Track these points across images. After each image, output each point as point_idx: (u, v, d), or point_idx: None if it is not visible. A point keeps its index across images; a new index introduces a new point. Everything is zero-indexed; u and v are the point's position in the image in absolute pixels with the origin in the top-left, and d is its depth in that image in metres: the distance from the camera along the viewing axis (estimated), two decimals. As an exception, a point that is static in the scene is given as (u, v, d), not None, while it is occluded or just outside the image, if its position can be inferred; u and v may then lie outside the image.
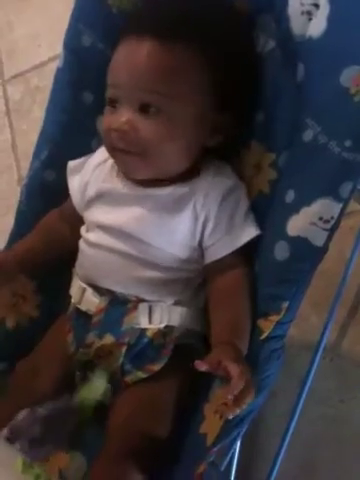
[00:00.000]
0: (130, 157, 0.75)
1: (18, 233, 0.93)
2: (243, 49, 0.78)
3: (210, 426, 0.72)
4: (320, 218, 0.66)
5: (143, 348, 0.78)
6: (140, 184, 0.79)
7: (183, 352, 0.77)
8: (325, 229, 0.67)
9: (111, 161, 0.82)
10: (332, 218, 0.66)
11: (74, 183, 0.86)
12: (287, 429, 0.78)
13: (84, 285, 0.81)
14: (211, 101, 0.75)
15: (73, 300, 0.83)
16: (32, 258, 0.87)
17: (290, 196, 0.69)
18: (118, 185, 0.80)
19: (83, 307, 0.81)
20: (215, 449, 0.69)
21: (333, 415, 1.02)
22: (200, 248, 0.78)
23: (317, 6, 0.68)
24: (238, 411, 0.64)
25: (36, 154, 0.93)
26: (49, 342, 0.86)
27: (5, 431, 0.71)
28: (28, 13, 1.51)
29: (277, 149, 0.77)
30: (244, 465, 0.78)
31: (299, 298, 0.71)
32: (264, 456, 0.94)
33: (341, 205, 0.65)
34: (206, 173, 0.78)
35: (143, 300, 0.78)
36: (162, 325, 0.77)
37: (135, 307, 0.77)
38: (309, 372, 0.79)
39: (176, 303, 0.78)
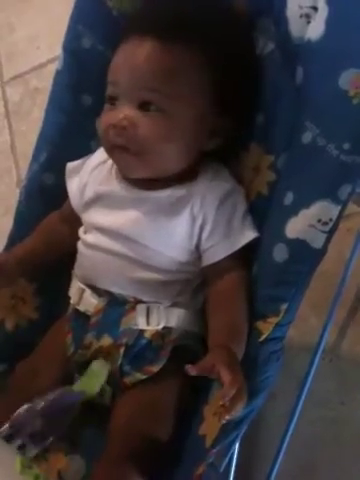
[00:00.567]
0: (127, 155, 0.75)
1: (17, 234, 0.93)
2: (243, 51, 0.78)
3: (209, 427, 0.72)
4: (319, 220, 0.66)
5: (141, 349, 0.78)
6: (138, 186, 0.79)
7: (182, 354, 0.77)
8: (323, 231, 0.67)
9: (110, 162, 0.82)
10: (330, 220, 0.66)
11: (73, 185, 0.86)
12: (286, 430, 0.78)
13: (83, 286, 0.81)
14: (211, 103, 0.75)
15: (72, 301, 0.83)
16: (32, 260, 0.87)
17: (289, 198, 0.69)
18: (116, 187, 0.80)
19: (82, 308, 0.81)
20: (214, 450, 0.69)
21: (333, 416, 1.02)
22: (197, 251, 0.78)
23: (316, 9, 0.68)
24: (228, 417, 0.64)
25: (35, 156, 0.93)
26: (48, 343, 0.86)
27: (5, 428, 0.71)
28: (27, 15, 1.51)
29: (276, 151, 0.77)
30: (243, 466, 0.78)
31: (298, 300, 0.71)
32: (263, 457, 0.94)
33: (339, 207, 0.65)
34: (204, 176, 0.78)
35: (141, 301, 0.78)
36: (160, 326, 0.77)
37: (133, 308, 0.78)
38: (308, 373, 0.79)
39: (174, 305, 0.78)
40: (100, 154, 0.84)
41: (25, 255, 0.87)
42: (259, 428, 1.00)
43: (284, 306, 0.70)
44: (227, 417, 0.64)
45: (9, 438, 0.71)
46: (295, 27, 0.71)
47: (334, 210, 0.66)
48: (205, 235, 0.77)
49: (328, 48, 0.66)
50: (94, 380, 0.77)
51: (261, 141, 0.80)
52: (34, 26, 1.48)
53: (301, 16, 0.70)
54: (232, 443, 0.71)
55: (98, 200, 0.82)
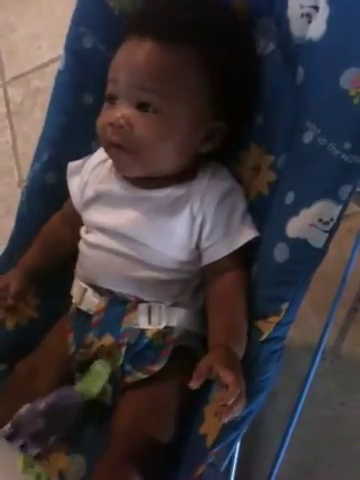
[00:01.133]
0: (122, 153, 0.75)
1: (19, 234, 0.94)
2: (243, 53, 0.78)
3: (210, 427, 0.72)
4: (320, 220, 0.66)
5: (143, 349, 0.78)
6: (137, 185, 0.79)
7: (183, 354, 0.78)
8: (324, 231, 0.67)
9: (110, 162, 0.82)
10: (331, 220, 0.66)
11: (74, 184, 0.86)
12: (287, 430, 0.78)
13: (85, 285, 0.81)
14: (209, 105, 0.75)
15: (74, 300, 0.83)
16: (40, 266, 0.89)
17: (290, 198, 0.69)
18: (116, 186, 0.81)
19: (83, 307, 0.81)
20: (215, 450, 0.69)
21: (333, 417, 1.02)
22: (197, 250, 0.78)
23: (317, 8, 0.68)
24: (228, 418, 0.64)
25: (37, 156, 0.93)
26: (49, 342, 0.86)
27: (7, 428, 0.71)
28: (29, 14, 1.51)
29: (276, 151, 0.77)
30: (244, 466, 0.78)
31: (299, 299, 0.71)
32: (264, 457, 0.94)
33: (340, 207, 0.65)
34: (203, 176, 0.79)
35: (142, 301, 0.78)
36: (161, 326, 0.77)
37: (135, 307, 0.78)
38: (309, 373, 0.79)
39: (175, 304, 0.78)
40: (100, 153, 0.84)
41: (33, 265, 0.89)
42: (260, 428, 1.00)
43: (285, 306, 0.70)
44: (227, 418, 0.64)
45: (11, 438, 0.71)
46: (296, 27, 0.71)
47: (335, 210, 0.65)
48: (205, 234, 0.77)
49: (329, 47, 0.66)
50: (95, 380, 0.77)
51: (261, 141, 0.80)
52: (35, 26, 1.48)
53: (302, 16, 0.70)
54: (233, 443, 0.71)
55: (98, 199, 0.82)
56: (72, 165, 0.87)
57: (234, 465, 0.77)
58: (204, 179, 0.78)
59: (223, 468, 0.72)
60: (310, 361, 0.79)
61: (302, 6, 0.70)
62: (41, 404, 0.73)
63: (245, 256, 0.77)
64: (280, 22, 0.74)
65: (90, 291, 0.81)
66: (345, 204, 0.66)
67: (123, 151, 0.75)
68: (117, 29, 0.83)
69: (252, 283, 0.75)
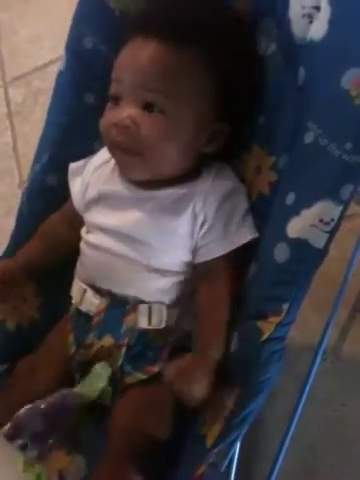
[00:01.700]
0: (129, 157, 0.75)
1: (19, 235, 0.94)
2: (246, 54, 0.78)
3: (210, 428, 0.72)
4: (320, 220, 0.66)
5: (142, 349, 0.78)
6: (140, 186, 0.79)
7: (182, 354, 0.77)
8: (325, 231, 0.66)
9: (113, 162, 0.82)
10: (332, 220, 0.66)
11: (75, 185, 0.86)
12: (287, 431, 0.78)
13: (85, 286, 0.81)
14: (212, 105, 0.75)
15: (74, 301, 0.83)
16: (36, 263, 0.88)
17: (291, 198, 0.69)
18: (119, 187, 0.80)
19: (83, 308, 0.81)
20: (215, 450, 0.69)
21: (334, 417, 1.02)
22: (196, 249, 0.78)
23: (318, 9, 0.68)
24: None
25: (37, 157, 0.93)
26: (50, 343, 0.86)
27: (6, 428, 0.71)
28: (30, 15, 1.51)
29: (277, 152, 0.77)
30: (244, 466, 0.78)
31: (299, 300, 0.71)
32: (264, 457, 0.94)
33: (341, 207, 0.65)
34: (206, 175, 0.79)
35: (142, 301, 0.78)
36: (161, 326, 0.78)
37: (135, 308, 0.78)
38: (309, 374, 0.79)
39: (175, 305, 0.78)
40: (103, 154, 0.84)
41: (29, 259, 0.88)
42: (260, 428, 1.00)
43: (285, 306, 0.70)
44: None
45: (10, 438, 0.71)
46: (297, 27, 0.71)
47: (336, 210, 0.65)
48: (202, 232, 0.77)
49: (330, 48, 0.66)
50: (95, 382, 0.77)
51: (263, 142, 0.80)
52: (36, 26, 1.48)
53: (303, 16, 0.70)
54: (233, 443, 0.71)
55: (101, 200, 0.82)
56: (73, 166, 0.87)
57: (234, 465, 0.77)
58: (208, 179, 0.78)
59: (223, 468, 0.72)
60: (311, 361, 0.79)
61: (304, 7, 0.70)
62: (41, 405, 0.73)
63: (240, 257, 0.77)
64: (281, 23, 0.73)
65: (90, 292, 0.81)
66: (346, 204, 0.65)
67: (128, 154, 0.75)
68: (118, 30, 0.83)
69: (252, 283, 0.75)
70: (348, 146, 0.64)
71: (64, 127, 0.92)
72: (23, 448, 0.71)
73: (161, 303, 0.78)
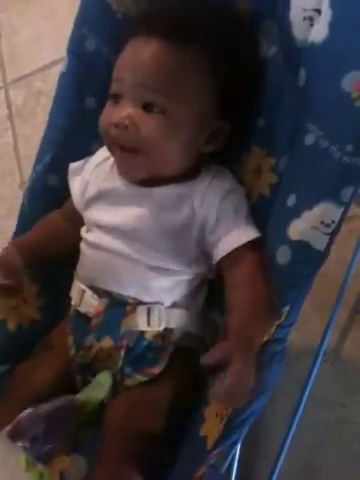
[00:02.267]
0: (127, 156, 0.76)
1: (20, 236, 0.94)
2: (247, 55, 0.78)
3: (210, 429, 0.72)
4: (321, 222, 0.66)
5: (142, 351, 0.78)
6: (140, 183, 0.79)
7: (182, 355, 0.78)
8: (326, 233, 0.67)
9: (112, 160, 0.82)
10: (333, 222, 0.66)
11: (75, 184, 0.87)
12: (288, 432, 0.79)
13: (83, 287, 0.81)
14: (213, 106, 0.76)
15: (73, 302, 0.83)
16: (34, 251, 0.87)
17: (291, 200, 0.69)
18: (118, 184, 0.81)
19: (83, 309, 0.81)
20: (215, 452, 0.69)
21: (334, 418, 1.02)
22: (198, 250, 0.78)
23: (319, 12, 0.68)
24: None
25: (39, 158, 0.93)
26: (50, 345, 0.86)
27: (7, 429, 0.71)
28: (31, 16, 1.51)
29: (278, 154, 0.77)
30: (245, 468, 0.79)
31: (300, 302, 0.71)
32: (265, 459, 0.94)
33: (342, 209, 0.65)
34: (205, 176, 0.79)
35: (141, 302, 0.78)
36: (161, 327, 0.77)
37: (134, 309, 0.78)
38: (310, 375, 0.79)
39: (174, 305, 0.79)
40: (102, 152, 0.85)
41: (27, 245, 0.87)
42: (260, 429, 1.00)
43: (286, 308, 0.70)
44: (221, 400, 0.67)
45: (11, 440, 0.71)
46: (298, 30, 0.71)
47: (337, 212, 0.65)
48: (208, 231, 0.76)
49: (331, 50, 0.66)
50: (97, 392, 0.77)
51: (263, 143, 0.80)
52: (38, 27, 1.48)
53: (304, 19, 0.70)
54: (234, 444, 0.71)
55: (100, 197, 0.82)
56: (73, 166, 0.87)
57: (235, 466, 0.77)
58: (206, 179, 0.78)
59: (224, 469, 0.72)
60: (311, 363, 0.79)
61: (305, 9, 0.70)
62: (42, 410, 0.73)
63: (260, 248, 0.74)
64: (282, 25, 0.74)
65: (89, 293, 0.81)
66: (347, 206, 0.65)
67: (127, 153, 0.75)
68: (120, 31, 0.83)
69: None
70: (349, 148, 0.64)
71: (66, 128, 0.92)
72: (23, 449, 0.71)
73: (160, 304, 0.78)
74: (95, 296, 0.80)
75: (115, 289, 0.79)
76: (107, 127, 0.76)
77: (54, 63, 1.39)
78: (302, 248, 0.68)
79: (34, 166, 0.94)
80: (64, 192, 0.88)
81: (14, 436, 0.71)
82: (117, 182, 0.81)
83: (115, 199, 0.81)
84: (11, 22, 1.53)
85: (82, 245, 0.84)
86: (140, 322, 0.78)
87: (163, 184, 0.78)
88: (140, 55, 0.74)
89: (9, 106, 1.51)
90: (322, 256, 0.68)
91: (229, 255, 0.75)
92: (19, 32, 1.52)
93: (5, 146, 1.50)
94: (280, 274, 0.70)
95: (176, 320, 0.78)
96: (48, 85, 1.39)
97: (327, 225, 0.66)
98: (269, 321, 0.70)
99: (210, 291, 0.83)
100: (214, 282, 0.82)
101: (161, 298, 0.78)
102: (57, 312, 0.89)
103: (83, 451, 0.77)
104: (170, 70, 0.73)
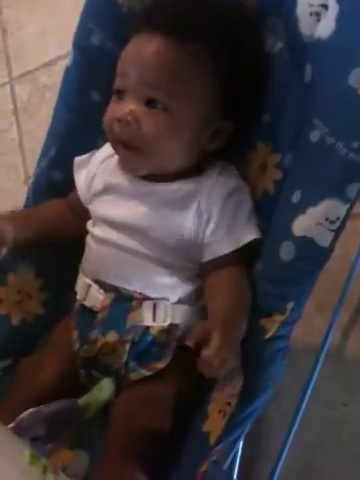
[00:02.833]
0: (130, 152, 0.76)
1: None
2: (252, 53, 0.77)
3: (213, 425, 0.72)
4: (326, 218, 0.66)
5: (147, 346, 0.78)
6: (146, 179, 0.79)
7: (186, 350, 0.78)
8: (331, 230, 0.66)
9: (117, 156, 0.82)
10: (338, 219, 0.66)
11: (80, 177, 0.87)
12: (290, 430, 0.78)
13: (89, 281, 0.81)
14: (216, 104, 0.75)
15: (78, 296, 0.83)
16: (30, 225, 0.86)
17: (296, 196, 0.69)
18: (124, 180, 0.81)
19: (88, 303, 0.81)
20: (218, 448, 0.69)
21: (336, 417, 1.02)
22: (202, 246, 0.78)
23: (326, 7, 0.68)
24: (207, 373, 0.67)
25: (44, 153, 0.93)
26: (55, 339, 0.86)
27: (9, 427, 0.71)
28: (36, 11, 1.51)
29: (283, 150, 0.77)
30: (247, 464, 0.79)
31: (304, 298, 0.71)
32: (267, 456, 0.94)
33: (347, 206, 0.65)
34: (211, 173, 0.79)
35: (147, 297, 0.78)
36: (166, 323, 0.77)
37: (139, 304, 0.78)
38: (312, 373, 0.79)
39: (180, 301, 0.78)
40: (108, 147, 0.84)
41: (23, 218, 0.87)
42: (263, 427, 1.00)
43: (290, 304, 0.70)
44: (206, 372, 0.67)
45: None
46: (305, 25, 0.71)
47: (342, 208, 0.65)
48: (209, 230, 0.76)
49: (338, 46, 0.66)
50: (100, 396, 0.77)
51: (268, 140, 0.80)
52: (43, 22, 1.47)
53: (311, 14, 0.70)
54: (236, 441, 0.71)
55: (106, 192, 0.82)
56: (78, 159, 0.87)
57: (237, 463, 0.77)
58: (212, 176, 0.78)
59: (226, 466, 0.72)
60: (314, 361, 0.79)
61: (311, 5, 0.70)
62: (45, 411, 0.73)
63: (245, 254, 0.77)
64: (289, 21, 0.73)
65: (95, 287, 0.81)
66: (352, 203, 0.65)
67: (130, 150, 0.76)
68: (125, 26, 0.82)
69: (257, 281, 0.75)
70: (355, 144, 0.64)
71: (70, 123, 0.92)
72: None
73: (166, 300, 0.78)
74: (101, 290, 0.80)
75: (121, 284, 0.79)
76: (110, 123, 0.76)
77: (59, 58, 1.39)
78: (306, 244, 0.68)
79: (38, 161, 0.94)
80: (68, 187, 0.88)
81: (16, 434, 0.71)
82: (124, 178, 0.81)
83: (121, 194, 0.81)
84: (17, 17, 1.54)
85: (88, 239, 0.84)
86: (146, 317, 0.78)
87: (169, 180, 0.78)
88: (143, 51, 0.74)
89: (14, 101, 1.51)
90: (326, 253, 0.68)
91: (214, 260, 0.77)
92: (25, 28, 1.53)
93: (10, 141, 1.50)
94: (284, 270, 0.70)
95: (181, 316, 0.78)
96: (53, 80, 1.39)
97: (332, 222, 0.66)
98: (247, 318, 0.72)
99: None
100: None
101: (167, 294, 0.78)
102: (61, 307, 0.89)
103: (86, 447, 0.77)
104: (171, 67, 0.73)
